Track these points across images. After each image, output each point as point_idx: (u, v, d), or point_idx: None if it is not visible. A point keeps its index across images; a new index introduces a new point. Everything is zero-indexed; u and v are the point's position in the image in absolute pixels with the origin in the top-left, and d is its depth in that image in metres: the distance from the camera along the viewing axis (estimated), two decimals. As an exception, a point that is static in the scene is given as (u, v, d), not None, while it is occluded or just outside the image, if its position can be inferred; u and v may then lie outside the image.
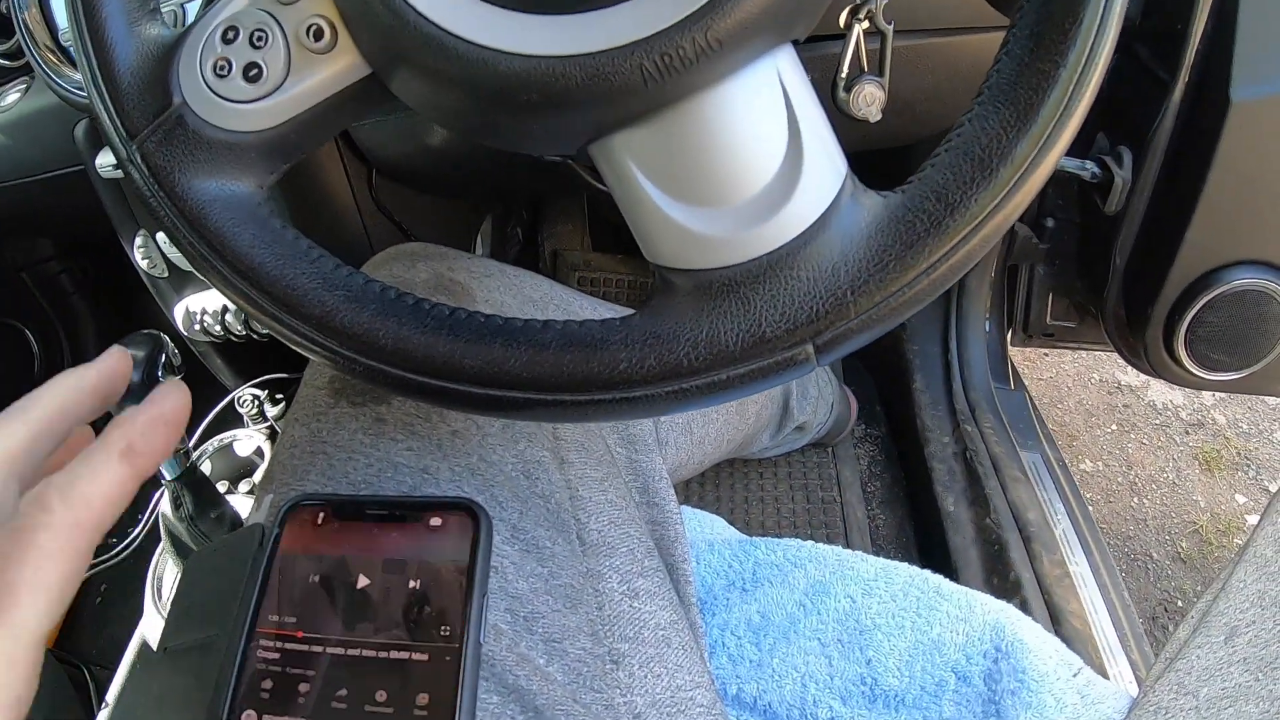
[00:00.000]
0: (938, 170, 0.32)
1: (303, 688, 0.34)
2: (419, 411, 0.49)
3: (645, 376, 0.33)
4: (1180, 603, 1.27)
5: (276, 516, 0.39)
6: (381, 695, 0.34)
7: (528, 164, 0.65)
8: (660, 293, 0.34)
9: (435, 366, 0.35)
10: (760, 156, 0.32)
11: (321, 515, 0.39)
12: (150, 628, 0.96)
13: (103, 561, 1.12)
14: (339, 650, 0.35)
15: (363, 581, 0.37)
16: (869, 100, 0.60)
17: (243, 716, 0.34)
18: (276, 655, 0.35)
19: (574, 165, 0.65)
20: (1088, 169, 0.76)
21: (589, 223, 1.34)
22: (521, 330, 0.35)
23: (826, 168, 0.33)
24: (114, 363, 0.34)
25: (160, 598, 0.97)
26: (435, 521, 0.37)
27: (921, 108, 0.68)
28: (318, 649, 0.35)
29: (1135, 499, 1.42)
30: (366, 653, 0.35)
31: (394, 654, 0.35)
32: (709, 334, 0.33)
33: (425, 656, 0.34)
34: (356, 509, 0.39)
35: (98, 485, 0.29)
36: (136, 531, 1.07)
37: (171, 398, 0.33)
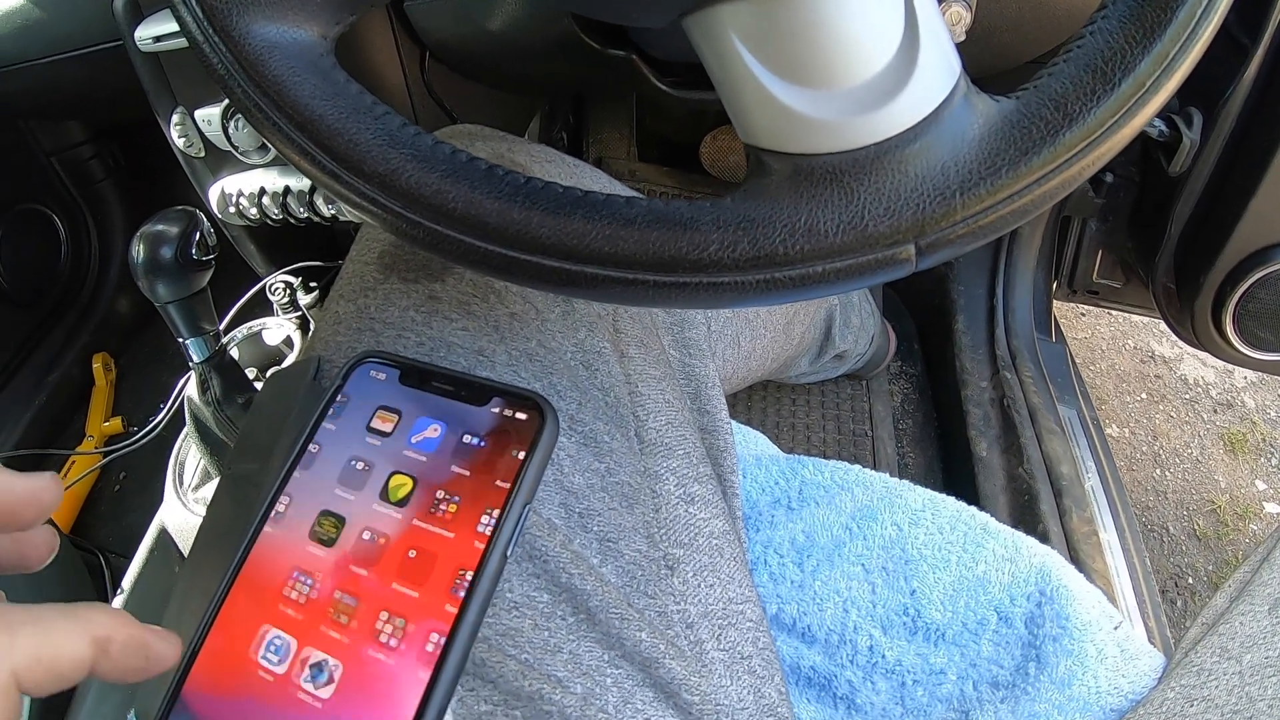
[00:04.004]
0: (1056, 79, 0.30)
1: (323, 544, 0.34)
2: (475, 291, 0.47)
3: (737, 261, 0.31)
4: (1190, 579, 1.26)
5: (343, 368, 0.38)
6: (398, 575, 0.32)
7: (586, 55, 0.62)
8: (755, 175, 0.32)
9: (508, 235, 0.32)
10: (875, 41, 0.30)
11: (385, 374, 0.37)
12: (170, 514, 0.95)
13: (124, 447, 1.11)
14: (368, 512, 0.34)
15: (409, 451, 0.35)
16: (954, 20, 0.57)
17: (261, 546, 0.34)
18: (305, 503, 0.35)
19: (637, 61, 0.62)
20: (1156, 126, 0.73)
21: (635, 131, 1.30)
22: (604, 204, 0.32)
23: (941, 63, 0.31)
24: (36, 485, 0.28)
25: (181, 484, 0.96)
26: (499, 410, 0.36)
27: (1000, 38, 0.64)
28: (350, 503, 0.34)
29: (1158, 470, 1.40)
30: (394, 523, 0.33)
31: (421, 535, 0.33)
32: (808, 222, 0.31)
33: (450, 549, 0.33)
34: (423, 377, 0.37)
35: (60, 654, 0.24)
36: (160, 418, 1.06)
37: (167, 643, 0.27)
